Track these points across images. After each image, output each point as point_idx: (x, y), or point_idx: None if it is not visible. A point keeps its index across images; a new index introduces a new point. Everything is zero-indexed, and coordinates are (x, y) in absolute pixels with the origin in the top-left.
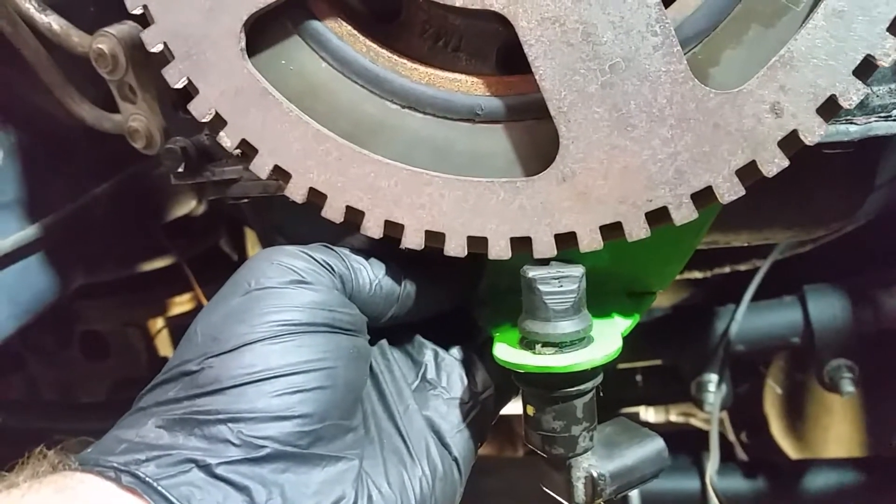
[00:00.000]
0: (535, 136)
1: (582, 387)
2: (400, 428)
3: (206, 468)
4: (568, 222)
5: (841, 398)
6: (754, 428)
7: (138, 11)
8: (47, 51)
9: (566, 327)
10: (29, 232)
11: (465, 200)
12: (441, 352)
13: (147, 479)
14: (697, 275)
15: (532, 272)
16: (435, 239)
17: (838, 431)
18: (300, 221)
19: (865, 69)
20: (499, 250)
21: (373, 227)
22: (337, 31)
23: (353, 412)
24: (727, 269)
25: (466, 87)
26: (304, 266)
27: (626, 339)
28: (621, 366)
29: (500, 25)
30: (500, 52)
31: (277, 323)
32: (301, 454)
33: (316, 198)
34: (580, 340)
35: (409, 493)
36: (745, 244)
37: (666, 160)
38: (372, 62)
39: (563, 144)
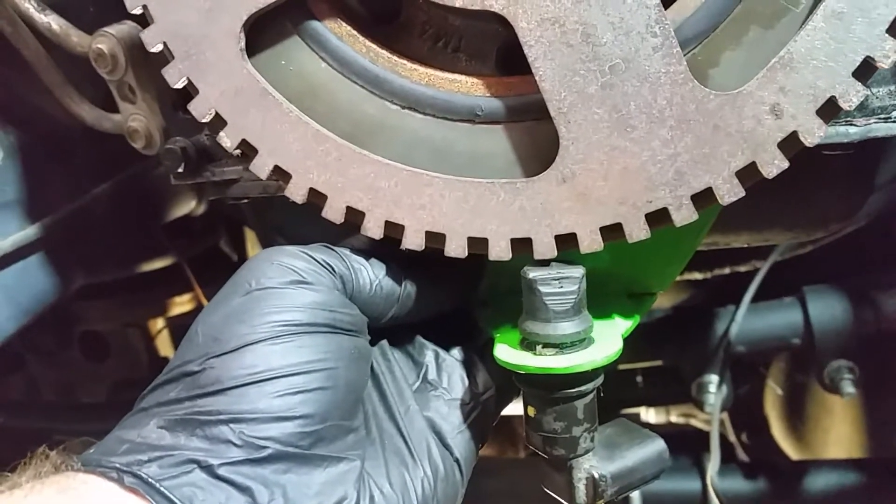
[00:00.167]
0: (535, 137)
1: (583, 388)
2: (401, 429)
3: (209, 469)
4: (568, 223)
5: (841, 399)
6: (755, 429)
7: (138, 11)
8: (47, 51)
9: (567, 328)
10: (29, 232)
11: (465, 201)
12: (442, 353)
13: (149, 479)
14: (697, 276)
15: (532, 273)
16: (435, 240)
17: (839, 432)
18: (300, 222)
19: (865, 71)
20: (499, 251)
21: (373, 228)
22: (337, 32)
23: (355, 413)
24: (727, 271)
25: (466, 88)
26: (305, 266)
27: (626, 340)
28: (622, 367)
29: (500, 26)
30: (499, 52)
31: (278, 323)
32: (303, 455)
33: (316, 198)
34: (581, 341)
35: (412, 494)
36: (745, 245)
37: (666, 161)
38: (372, 63)
39: (562, 145)
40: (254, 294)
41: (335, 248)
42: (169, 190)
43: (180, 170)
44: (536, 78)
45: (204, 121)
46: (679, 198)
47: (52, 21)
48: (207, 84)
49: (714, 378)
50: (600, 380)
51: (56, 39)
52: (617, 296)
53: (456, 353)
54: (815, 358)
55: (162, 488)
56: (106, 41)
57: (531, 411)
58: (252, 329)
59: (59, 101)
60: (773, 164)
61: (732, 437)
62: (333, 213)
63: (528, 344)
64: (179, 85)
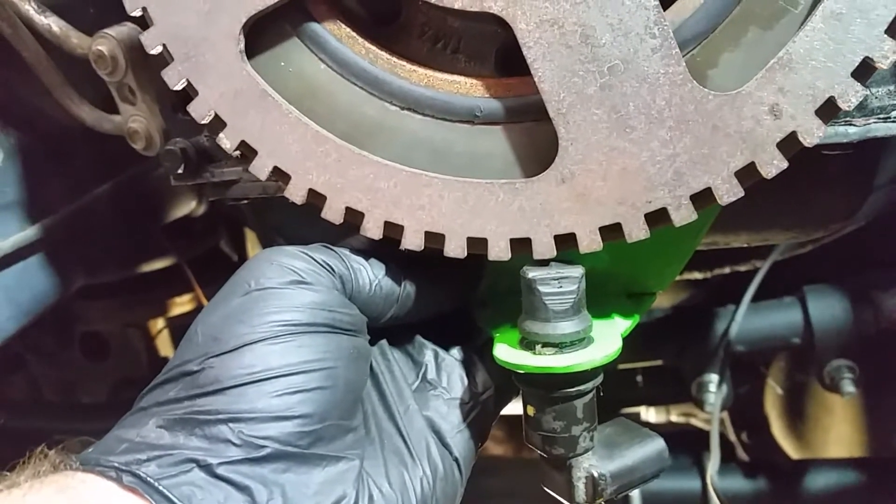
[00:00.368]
0: (534, 138)
1: (582, 387)
2: (400, 428)
3: (207, 468)
4: (567, 223)
5: (841, 398)
6: (755, 428)
7: (138, 13)
8: (47, 52)
9: (566, 328)
10: (29, 233)
11: (464, 202)
12: (441, 352)
13: (148, 478)
14: (697, 275)
15: (532, 273)
16: (435, 240)
17: (839, 432)
18: (300, 222)
19: (864, 71)
20: (498, 251)
21: (372, 229)
22: (336, 33)
23: (354, 412)
24: (727, 270)
25: (465, 89)
26: (304, 266)
27: (626, 339)
28: (622, 366)
29: (499, 27)
30: (498, 53)
31: (278, 323)
32: (301, 454)
33: (315, 199)
34: (580, 341)
35: (411, 494)
36: (745, 245)
37: (665, 162)
38: (371, 64)
39: (562, 146)
40: (253, 294)
41: (335, 248)
42: (169, 191)
43: (180, 171)
44: (535, 79)
45: (203, 122)
46: (678, 198)
47: (52, 23)
48: (207, 86)
49: (714, 377)
50: (599, 379)
51: (56, 41)
52: (616, 295)
53: (455, 352)
54: (815, 357)
55: (161, 487)
56: (106, 43)
57: (530, 410)
58: (251, 329)
59: (59, 103)
60: (773, 165)
61: (732, 437)
62: (333, 213)
63: (527, 343)
64: (179, 86)
